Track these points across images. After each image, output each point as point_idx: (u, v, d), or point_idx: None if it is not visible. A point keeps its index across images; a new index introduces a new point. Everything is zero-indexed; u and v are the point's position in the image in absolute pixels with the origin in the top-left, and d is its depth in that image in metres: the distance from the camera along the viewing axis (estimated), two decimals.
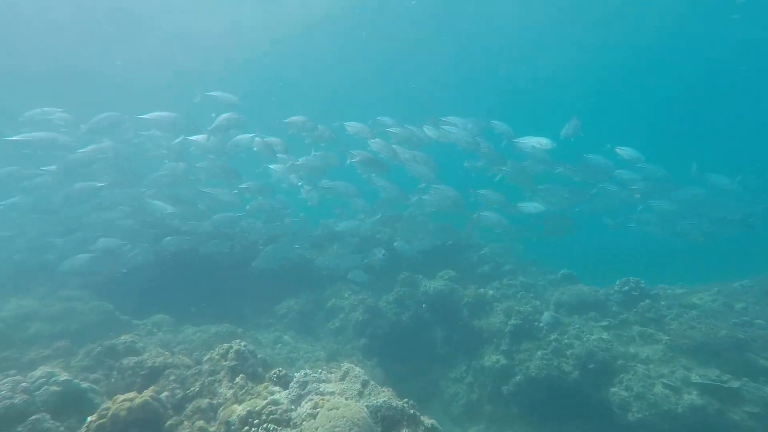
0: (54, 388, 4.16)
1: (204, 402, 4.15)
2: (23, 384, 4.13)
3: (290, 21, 23.72)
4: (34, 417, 3.81)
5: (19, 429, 3.70)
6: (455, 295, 9.08)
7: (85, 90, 23.88)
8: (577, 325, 7.47)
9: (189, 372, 4.55)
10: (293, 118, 8.31)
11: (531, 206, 8.13)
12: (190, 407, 4.09)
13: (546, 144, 7.47)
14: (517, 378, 7.16)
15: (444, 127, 7.82)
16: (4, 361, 5.92)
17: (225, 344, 4.91)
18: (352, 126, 8.33)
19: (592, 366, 6.51)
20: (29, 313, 7.25)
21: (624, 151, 8.45)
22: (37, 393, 4.14)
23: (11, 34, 20.99)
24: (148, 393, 3.74)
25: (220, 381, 4.44)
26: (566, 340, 7.13)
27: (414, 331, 9.03)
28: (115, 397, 3.70)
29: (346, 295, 10.43)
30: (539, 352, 7.13)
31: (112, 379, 4.51)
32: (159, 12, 21.48)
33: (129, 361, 4.42)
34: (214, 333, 8.30)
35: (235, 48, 25.91)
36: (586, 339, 7.00)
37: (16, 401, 3.89)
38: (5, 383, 4.06)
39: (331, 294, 10.61)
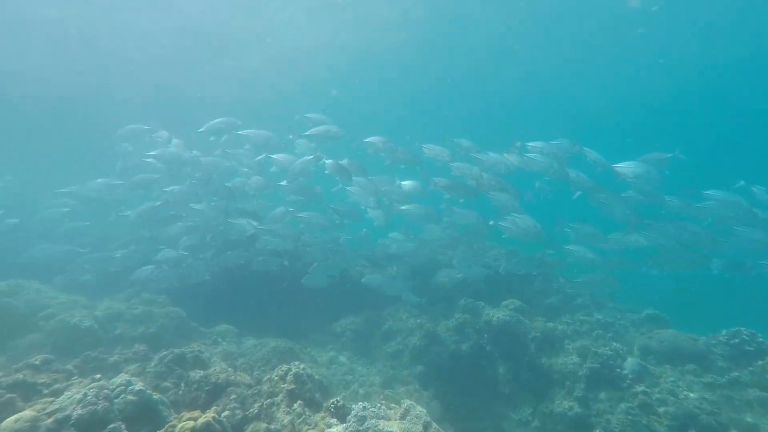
0: (130, 397, 4.36)
1: (262, 427, 4.11)
2: (105, 390, 4.38)
3: (373, 41, 24.19)
4: (112, 426, 3.99)
5: None
6: (521, 328, 8.40)
7: (176, 110, 26.62)
8: (671, 378, 6.47)
9: (249, 392, 4.56)
10: (372, 139, 8.23)
11: (631, 240, 7.24)
12: (248, 430, 4.05)
13: (652, 175, 6.67)
14: None
15: (529, 155, 7.30)
16: (95, 360, 6.45)
17: (284, 366, 4.89)
18: (430, 149, 8.10)
19: (692, 431, 5.55)
20: (116, 314, 7.88)
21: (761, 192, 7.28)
22: (116, 401, 4.36)
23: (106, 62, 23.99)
24: (210, 413, 3.78)
25: (278, 405, 4.38)
26: (657, 395, 6.19)
27: (474, 362, 8.47)
28: (181, 414, 3.77)
29: (404, 317, 10.15)
30: (623, 405, 6.26)
31: (180, 391, 4.66)
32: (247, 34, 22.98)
33: (196, 374, 4.54)
34: (272, 348, 8.44)
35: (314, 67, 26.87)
36: (683, 396, 6.02)
37: (98, 408, 4.12)
38: (92, 389, 4.34)
39: (388, 315, 10.40)
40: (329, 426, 3.89)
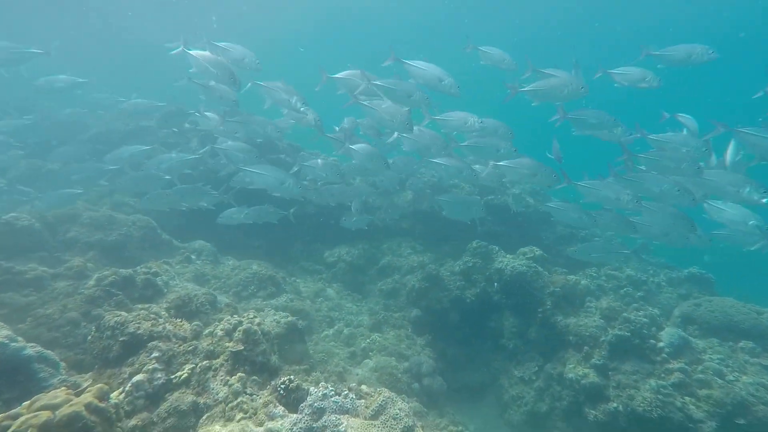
0: None
1: (188, 399, 3.04)
2: None
3: None
4: None
5: None
6: (539, 281, 7.21)
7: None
8: (719, 356, 5.33)
9: (181, 348, 3.44)
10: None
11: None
12: (164, 406, 2.98)
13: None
14: (612, 406, 5.37)
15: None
16: (6, 273, 5.43)
17: (233, 317, 3.74)
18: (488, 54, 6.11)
19: (742, 422, 4.50)
20: (70, 215, 6.78)
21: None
22: None
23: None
24: (89, 395, 2.46)
25: (216, 370, 3.29)
26: (700, 374, 5.10)
27: (478, 312, 7.46)
28: (34, 399, 2.42)
29: (406, 252, 9.04)
30: (653, 382, 5.21)
31: (89, 337, 3.55)
32: None
33: (110, 318, 3.41)
34: (252, 273, 7.46)
35: None
36: (733, 379, 4.91)
37: None
38: None
39: (387, 249, 9.29)
40: (272, 418, 2.81)
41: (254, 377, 3.29)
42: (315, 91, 6.30)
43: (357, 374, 5.62)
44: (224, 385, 3.13)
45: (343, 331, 6.82)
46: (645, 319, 5.84)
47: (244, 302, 7.05)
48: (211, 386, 3.15)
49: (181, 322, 3.81)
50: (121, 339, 3.32)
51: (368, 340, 6.56)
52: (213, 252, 8.02)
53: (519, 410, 6.58)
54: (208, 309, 5.02)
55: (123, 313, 3.61)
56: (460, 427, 4.92)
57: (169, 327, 3.55)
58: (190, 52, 5.73)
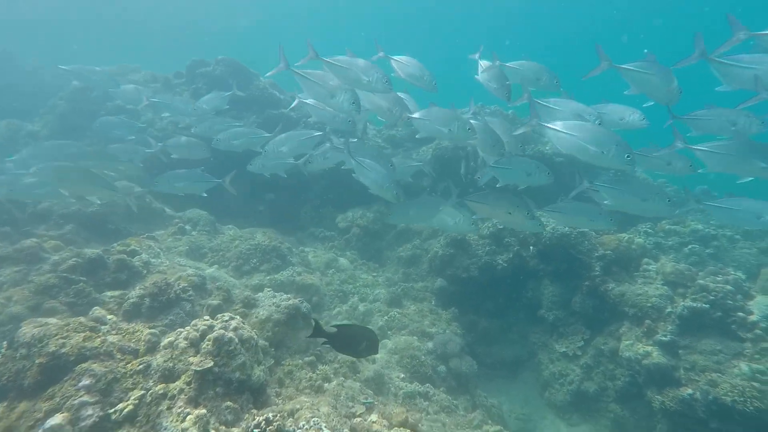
0: None
1: None
2: None
3: None
4: None
5: None
6: (585, 243, 6.09)
7: None
8: None
9: (128, 367, 2.55)
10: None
11: None
12: None
13: None
14: (686, 393, 4.40)
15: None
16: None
17: (202, 322, 2.82)
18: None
19: None
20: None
21: None
22: None
23: None
24: None
25: (173, 398, 2.41)
26: None
27: (512, 281, 6.46)
28: None
29: None
30: (744, 366, 4.17)
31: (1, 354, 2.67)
32: None
33: (27, 331, 2.52)
34: (255, 244, 6.62)
35: None
36: None
37: None
38: None
39: None
40: None
41: (228, 403, 2.45)
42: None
43: (374, 359, 4.82)
44: (181, 422, 2.29)
45: (357, 308, 6.00)
46: (728, 287, 4.70)
47: (246, 277, 6.28)
48: (164, 424, 2.31)
49: (134, 327, 2.97)
50: (38, 361, 2.49)
51: (386, 317, 5.73)
52: (210, 221, 7.20)
53: (562, 389, 5.73)
54: (192, 295, 4.21)
55: (51, 320, 2.77)
56: (499, 427, 4.08)
57: (112, 339, 2.70)
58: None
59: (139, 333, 2.87)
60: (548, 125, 4.02)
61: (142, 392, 2.44)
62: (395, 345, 5.26)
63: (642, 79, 4.14)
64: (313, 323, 2.50)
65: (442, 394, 4.43)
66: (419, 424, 2.92)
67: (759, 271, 5.27)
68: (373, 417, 2.57)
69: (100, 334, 2.74)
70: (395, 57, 5.15)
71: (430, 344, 5.37)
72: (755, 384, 3.98)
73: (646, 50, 4.55)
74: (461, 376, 5.19)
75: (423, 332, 5.56)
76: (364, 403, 3.49)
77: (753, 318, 4.41)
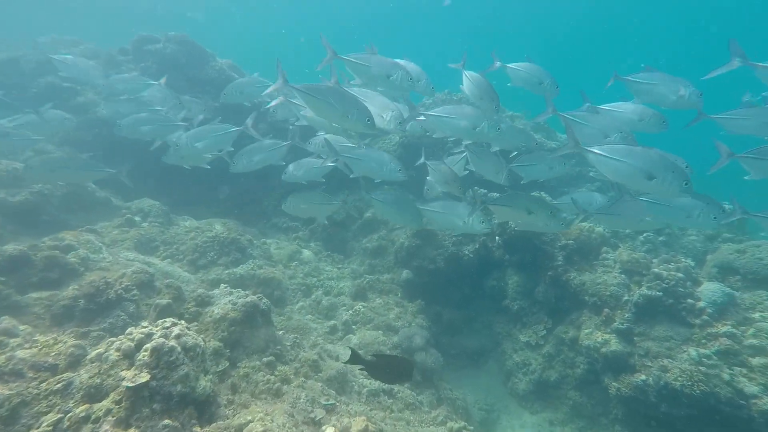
0: None
1: None
2: None
3: None
4: None
5: None
6: (548, 233, 6.17)
7: None
8: None
9: (41, 388, 2.23)
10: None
11: None
12: None
13: None
14: (640, 379, 4.57)
15: None
16: None
17: (141, 328, 2.53)
18: None
19: None
20: None
21: None
22: None
23: None
24: None
25: (98, 422, 2.13)
26: (751, 339, 4.25)
27: (478, 271, 6.48)
28: None
29: None
30: (692, 350, 4.36)
31: None
32: None
33: None
34: (212, 236, 6.25)
35: None
36: None
37: None
38: None
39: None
40: None
41: (166, 421, 2.21)
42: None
43: (338, 356, 4.67)
44: None
45: (321, 301, 5.80)
46: (679, 274, 4.89)
47: (202, 272, 5.92)
48: None
49: (55, 338, 2.64)
50: None
51: (351, 312, 5.58)
52: (164, 212, 6.71)
53: (525, 378, 5.84)
54: (136, 295, 3.86)
55: None
56: (463, 423, 4.07)
57: (22, 354, 2.37)
58: None
59: (59, 345, 2.54)
60: (591, 149, 3.46)
61: (59, 416, 2.14)
62: (360, 340, 5.14)
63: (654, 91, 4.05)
64: (350, 352, 2.72)
65: (406, 391, 4.35)
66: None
67: (705, 258, 5.53)
68: (329, 431, 2.41)
69: (7, 349, 2.40)
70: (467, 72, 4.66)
71: (395, 339, 5.29)
72: (701, 368, 4.18)
73: (643, 64, 4.49)
74: (426, 370, 5.15)
75: (389, 326, 5.46)
76: (325, 405, 3.34)
77: (701, 304, 4.61)
